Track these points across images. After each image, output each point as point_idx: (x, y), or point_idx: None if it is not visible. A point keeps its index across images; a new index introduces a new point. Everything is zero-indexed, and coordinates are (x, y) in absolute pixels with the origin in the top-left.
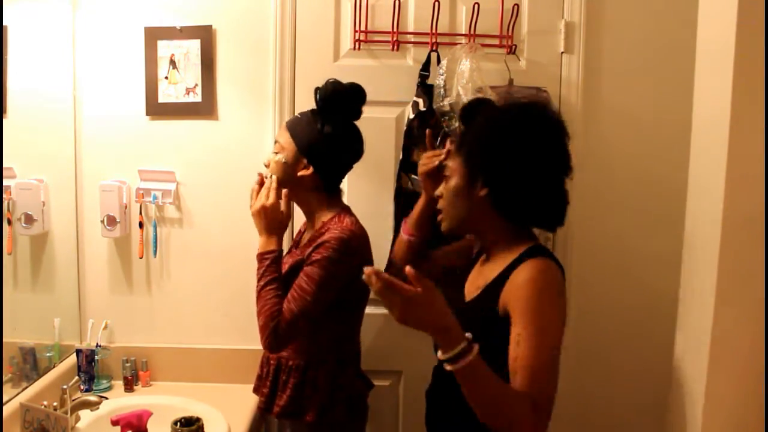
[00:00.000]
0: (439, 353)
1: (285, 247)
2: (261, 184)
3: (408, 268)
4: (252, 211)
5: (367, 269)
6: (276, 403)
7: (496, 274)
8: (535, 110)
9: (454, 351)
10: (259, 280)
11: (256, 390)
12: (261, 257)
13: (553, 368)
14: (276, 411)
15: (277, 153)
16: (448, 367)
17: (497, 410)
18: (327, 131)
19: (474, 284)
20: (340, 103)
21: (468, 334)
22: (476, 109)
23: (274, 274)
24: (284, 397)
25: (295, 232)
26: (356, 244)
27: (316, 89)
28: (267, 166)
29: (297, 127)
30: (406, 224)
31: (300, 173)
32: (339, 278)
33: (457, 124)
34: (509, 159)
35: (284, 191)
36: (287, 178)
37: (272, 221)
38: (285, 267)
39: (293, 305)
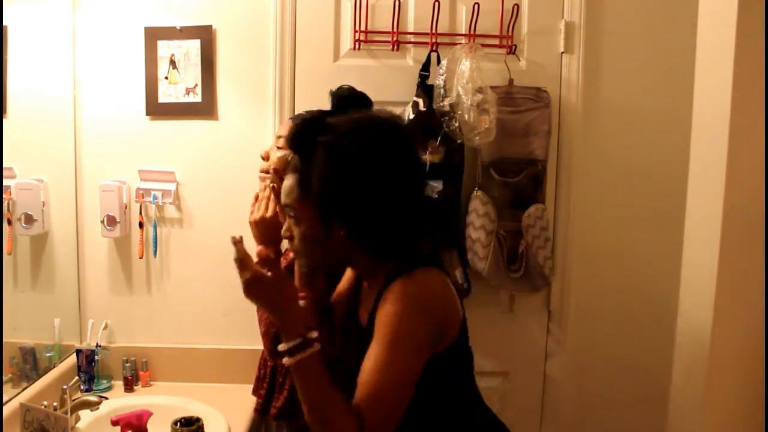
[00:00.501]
0: (280, 345)
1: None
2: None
3: (259, 249)
4: (250, 220)
5: (235, 236)
6: (273, 404)
7: (373, 300)
8: (378, 129)
9: (290, 344)
10: None
11: (254, 391)
12: None
13: (395, 389)
14: (273, 413)
15: (279, 148)
16: (284, 360)
17: (321, 415)
18: None
19: (365, 309)
20: (353, 105)
21: (313, 333)
22: (308, 138)
23: None
24: (281, 399)
25: None
26: None
27: (332, 91)
28: (265, 158)
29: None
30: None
31: None
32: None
33: (457, 124)
34: (364, 195)
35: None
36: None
37: (270, 233)
38: None
39: None
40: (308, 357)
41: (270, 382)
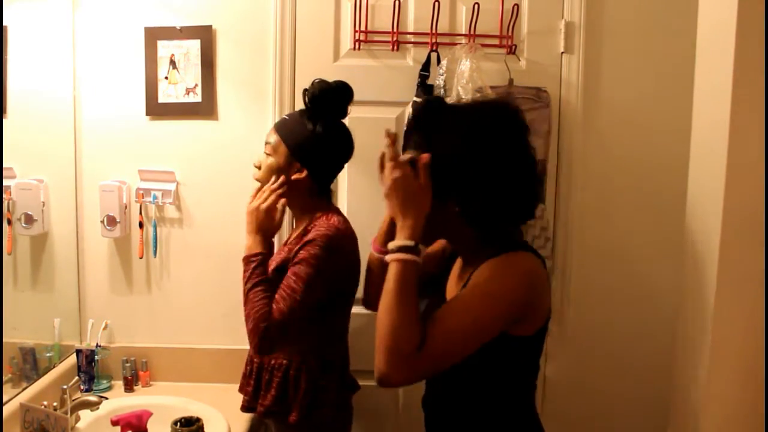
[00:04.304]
0: (391, 243)
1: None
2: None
3: (424, 156)
4: (248, 209)
5: (389, 130)
6: (260, 402)
7: (467, 278)
8: (498, 113)
9: (403, 243)
10: (245, 283)
11: (241, 389)
12: (247, 260)
13: (462, 333)
14: (260, 410)
15: (269, 155)
16: (388, 257)
17: (393, 319)
18: (319, 132)
19: (454, 287)
20: (329, 102)
21: (424, 250)
22: (432, 119)
23: (262, 276)
24: (269, 397)
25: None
26: (343, 242)
27: (304, 90)
28: (258, 167)
29: (287, 129)
30: (375, 242)
31: (294, 177)
32: (326, 277)
33: None
34: (481, 175)
35: (282, 201)
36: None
37: (263, 223)
38: (272, 265)
39: (282, 305)
40: (411, 261)
41: (256, 379)
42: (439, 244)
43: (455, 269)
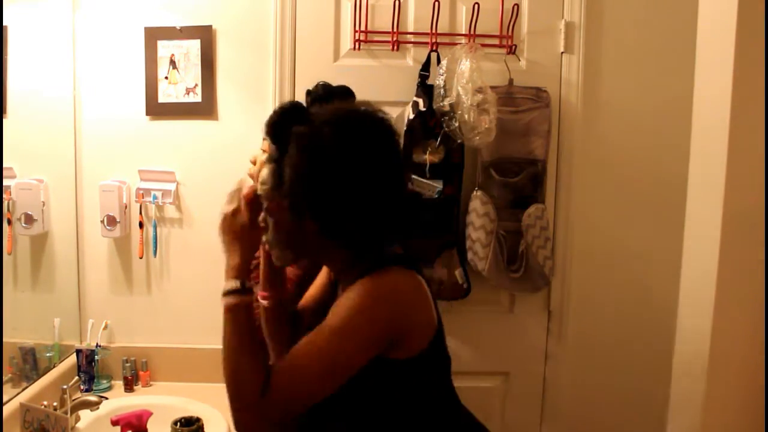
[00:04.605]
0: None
1: None
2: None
3: (247, 190)
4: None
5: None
6: None
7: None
8: (356, 121)
9: (230, 285)
10: None
11: None
12: None
13: (317, 374)
14: None
15: (264, 151)
16: (221, 300)
17: (233, 366)
18: None
19: None
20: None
21: (254, 287)
22: (286, 127)
23: None
24: None
25: None
26: None
27: (308, 92)
28: (254, 162)
29: None
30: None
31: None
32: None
33: (457, 124)
34: (337, 190)
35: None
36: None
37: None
38: None
39: None
40: (241, 303)
41: None
42: (319, 285)
43: (339, 291)
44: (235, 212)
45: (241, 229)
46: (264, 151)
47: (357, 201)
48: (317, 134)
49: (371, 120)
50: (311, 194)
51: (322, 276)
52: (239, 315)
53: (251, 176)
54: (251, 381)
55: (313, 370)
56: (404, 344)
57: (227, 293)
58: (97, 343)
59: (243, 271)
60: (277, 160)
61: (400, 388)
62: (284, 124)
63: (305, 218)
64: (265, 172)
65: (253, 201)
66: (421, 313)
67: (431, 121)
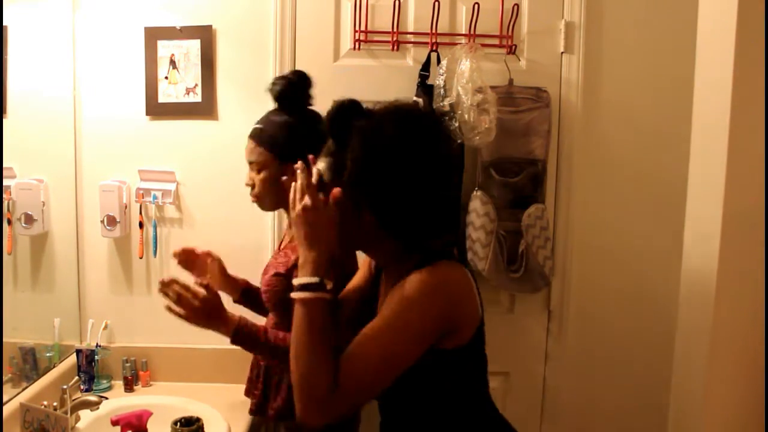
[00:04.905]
0: (295, 279)
1: None
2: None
3: (336, 189)
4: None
5: (302, 164)
6: (270, 405)
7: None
8: (416, 118)
9: (307, 280)
10: None
11: (247, 392)
12: None
13: (380, 366)
14: (271, 414)
15: (259, 171)
16: (293, 294)
17: (303, 366)
18: (291, 122)
19: (382, 303)
20: (294, 93)
21: (330, 284)
22: (345, 121)
23: None
24: (279, 399)
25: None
26: None
27: (270, 91)
28: (251, 186)
29: (265, 136)
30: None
31: (284, 178)
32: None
33: (457, 124)
34: (393, 183)
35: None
36: (276, 190)
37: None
38: None
39: None
40: (317, 300)
41: (264, 382)
42: (360, 277)
43: (382, 285)
44: (316, 205)
45: (325, 223)
46: (298, 169)
47: (415, 194)
48: (379, 128)
49: (428, 117)
50: (372, 186)
51: (364, 267)
52: (314, 311)
53: (256, 197)
54: (321, 379)
55: (375, 362)
56: (455, 335)
57: (303, 287)
58: (97, 343)
59: (322, 266)
60: (334, 153)
61: (455, 375)
62: (343, 119)
63: (363, 209)
64: (321, 166)
65: (338, 199)
66: (470, 305)
67: None
